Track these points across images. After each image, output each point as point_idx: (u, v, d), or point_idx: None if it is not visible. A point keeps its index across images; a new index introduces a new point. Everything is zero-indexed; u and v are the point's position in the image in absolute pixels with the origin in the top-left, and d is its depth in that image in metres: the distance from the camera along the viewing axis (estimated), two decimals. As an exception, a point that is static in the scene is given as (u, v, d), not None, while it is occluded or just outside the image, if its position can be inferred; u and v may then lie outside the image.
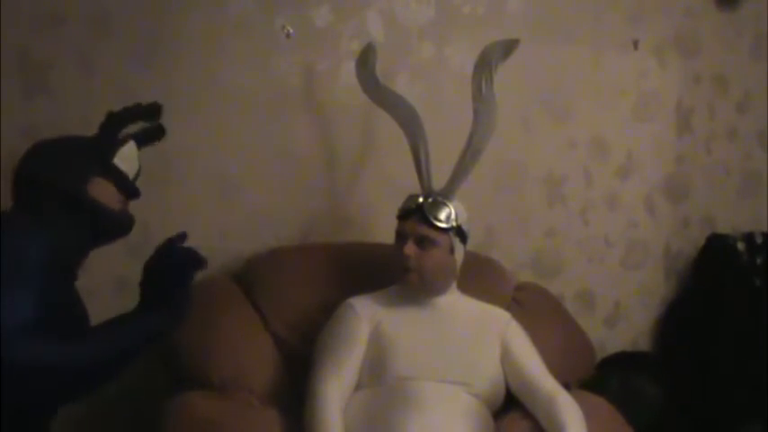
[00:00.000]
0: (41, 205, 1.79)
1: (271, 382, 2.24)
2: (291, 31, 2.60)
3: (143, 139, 2.01)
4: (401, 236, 2.17)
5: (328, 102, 2.68)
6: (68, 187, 1.80)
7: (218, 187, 2.60)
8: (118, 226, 1.91)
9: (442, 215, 2.13)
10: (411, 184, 2.25)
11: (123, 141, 1.93)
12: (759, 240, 3.09)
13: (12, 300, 1.61)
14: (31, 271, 1.67)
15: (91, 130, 1.98)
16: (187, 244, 2.57)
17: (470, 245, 2.26)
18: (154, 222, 2.35)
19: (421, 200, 2.16)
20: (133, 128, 1.99)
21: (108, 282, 2.45)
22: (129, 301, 2.50)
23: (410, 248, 2.12)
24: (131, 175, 1.92)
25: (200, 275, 2.51)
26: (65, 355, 1.66)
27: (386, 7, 2.71)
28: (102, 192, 1.85)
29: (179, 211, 2.53)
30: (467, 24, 2.79)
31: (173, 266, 1.84)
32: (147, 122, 2.03)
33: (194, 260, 1.83)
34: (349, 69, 2.43)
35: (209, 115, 2.52)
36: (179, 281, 1.84)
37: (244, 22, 2.57)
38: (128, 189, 1.91)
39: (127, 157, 1.91)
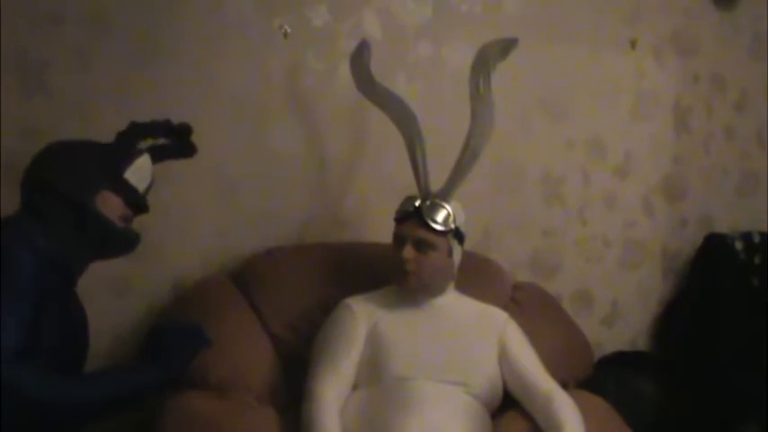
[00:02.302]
0: (47, 212, 1.77)
1: (268, 382, 2.24)
2: (289, 30, 2.60)
3: (165, 154, 2.00)
4: (399, 239, 2.16)
5: (325, 101, 2.67)
6: (76, 199, 1.77)
7: (215, 187, 2.60)
8: (122, 243, 1.89)
9: (440, 218, 2.12)
10: (408, 184, 2.24)
11: (138, 154, 1.90)
12: (757, 240, 3.09)
13: (5, 321, 1.60)
14: (27, 288, 1.66)
15: (88, 129, 1.98)
16: (185, 244, 2.59)
17: (468, 245, 2.26)
18: (151, 223, 2.35)
19: (418, 203, 2.15)
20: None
21: (105, 283, 2.45)
22: (125, 302, 2.52)
23: (409, 252, 2.11)
24: (142, 189, 1.90)
25: (197, 276, 2.54)
26: (49, 385, 1.65)
27: (383, 6, 2.71)
28: (110, 205, 1.83)
29: (176, 211, 2.53)
30: (464, 24, 2.79)
31: (183, 336, 1.91)
32: (170, 140, 2.02)
33: (203, 339, 1.93)
34: (346, 69, 2.42)
35: (207, 115, 2.52)
36: (186, 351, 1.89)
37: (241, 22, 2.56)
38: (136, 205, 1.88)
39: (139, 171, 1.89)
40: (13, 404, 1.59)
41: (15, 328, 1.61)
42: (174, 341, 1.89)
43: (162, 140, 2.02)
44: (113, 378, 1.80)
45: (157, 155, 1.98)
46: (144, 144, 1.97)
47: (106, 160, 1.85)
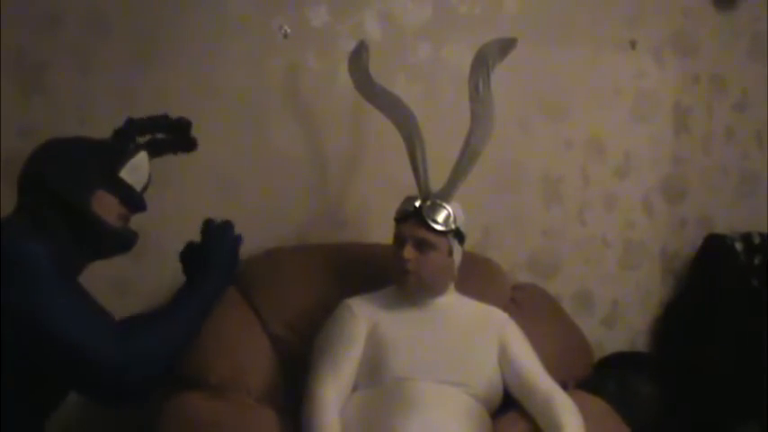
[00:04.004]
0: (44, 213, 1.74)
1: (268, 383, 2.24)
2: (289, 31, 2.60)
3: (164, 148, 1.98)
4: (399, 239, 2.16)
5: (326, 102, 2.68)
6: (70, 200, 1.75)
7: (215, 188, 2.60)
8: (119, 243, 1.86)
9: (441, 218, 2.12)
10: (408, 184, 2.24)
11: (134, 152, 1.87)
12: (757, 241, 3.08)
13: (69, 312, 1.61)
14: (56, 278, 1.64)
15: (87, 130, 1.97)
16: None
17: (468, 245, 2.26)
18: (151, 223, 2.34)
19: (419, 203, 2.15)
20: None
21: (105, 284, 2.44)
22: (127, 302, 2.51)
23: (409, 252, 2.11)
24: (139, 187, 1.87)
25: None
26: (160, 335, 1.73)
27: (383, 7, 2.71)
28: (106, 205, 1.79)
29: (176, 211, 2.53)
30: (464, 24, 2.79)
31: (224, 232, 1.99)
32: (169, 135, 2.00)
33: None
34: (346, 69, 2.42)
35: (207, 116, 2.50)
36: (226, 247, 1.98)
37: (241, 23, 2.57)
38: (133, 204, 1.86)
39: (136, 169, 1.86)
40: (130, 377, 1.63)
41: (92, 321, 1.65)
42: (218, 238, 1.98)
43: (160, 135, 2.00)
44: (189, 300, 1.87)
45: (156, 149, 1.96)
46: (142, 139, 1.95)
47: (100, 159, 1.81)
